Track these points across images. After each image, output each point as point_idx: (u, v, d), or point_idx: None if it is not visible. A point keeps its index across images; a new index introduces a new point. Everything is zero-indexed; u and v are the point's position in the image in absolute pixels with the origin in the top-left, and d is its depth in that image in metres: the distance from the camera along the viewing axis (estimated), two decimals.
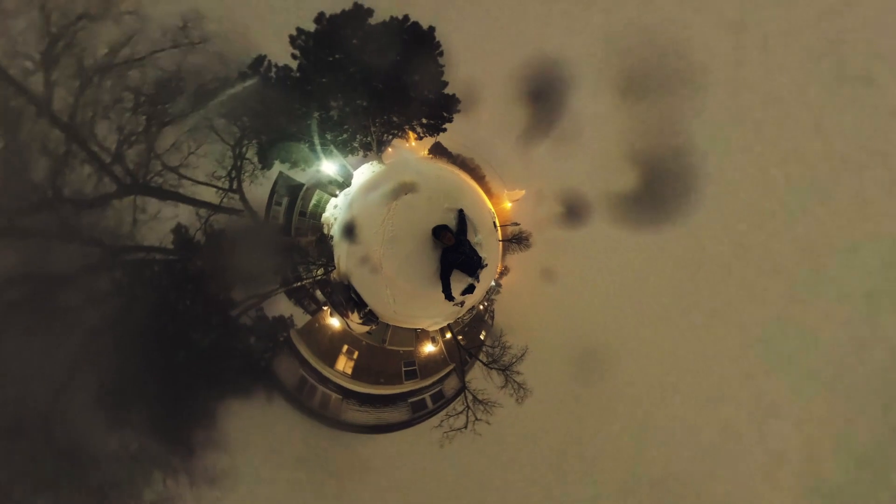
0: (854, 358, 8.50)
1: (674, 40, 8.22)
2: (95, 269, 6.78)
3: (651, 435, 8.75)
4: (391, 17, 8.30)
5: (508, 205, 9.66)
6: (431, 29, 8.50)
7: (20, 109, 6.00)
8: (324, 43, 8.10)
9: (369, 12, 8.19)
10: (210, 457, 7.31)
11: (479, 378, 8.92)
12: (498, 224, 8.96)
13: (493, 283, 9.36)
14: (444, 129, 9.19)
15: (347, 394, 8.72)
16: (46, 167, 6.27)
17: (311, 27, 8.03)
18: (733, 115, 8.49)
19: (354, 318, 8.53)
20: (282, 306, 8.55)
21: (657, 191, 8.75)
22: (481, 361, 9.09)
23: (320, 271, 8.61)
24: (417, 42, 8.49)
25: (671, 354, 8.88)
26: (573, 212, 9.36)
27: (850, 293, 8.58)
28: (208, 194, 7.90)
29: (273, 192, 8.53)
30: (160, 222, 7.42)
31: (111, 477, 6.42)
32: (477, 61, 8.74)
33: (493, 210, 8.96)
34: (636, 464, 8.63)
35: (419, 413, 8.96)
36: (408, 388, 9.02)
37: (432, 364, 9.20)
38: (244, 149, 8.07)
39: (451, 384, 9.21)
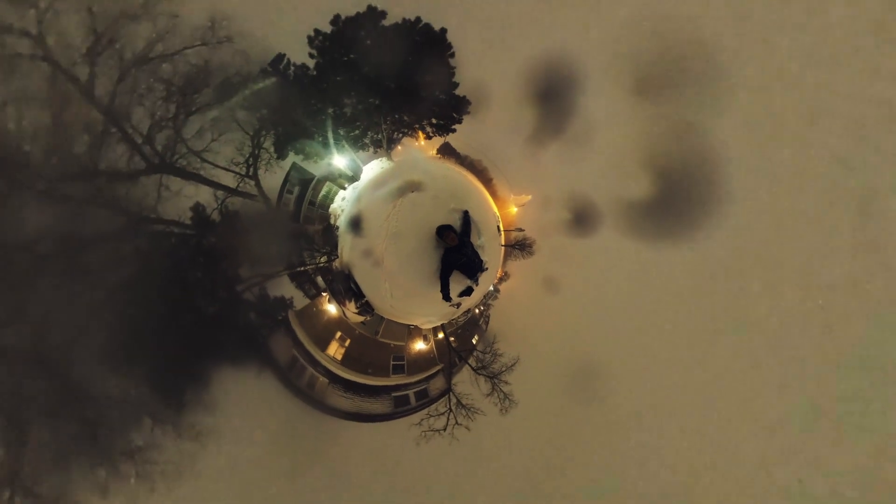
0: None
1: (692, 37, 7.52)
2: (120, 235, 7.81)
3: (641, 466, 7.86)
4: (404, 18, 8.59)
5: (514, 209, 9.40)
6: (443, 31, 8.66)
7: (67, 93, 7.21)
8: (339, 43, 8.59)
9: (383, 14, 8.56)
10: (197, 415, 7.97)
11: (466, 382, 8.74)
12: (502, 228, 8.75)
13: (491, 288, 9.13)
14: (454, 130, 9.25)
15: (334, 378, 8.97)
16: (86, 143, 7.43)
17: (327, 28, 8.58)
18: (756, 118, 7.49)
19: (351, 308, 8.79)
20: (284, 287, 9.06)
21: (671, 199, 7.97)
22: (470, 366, 8.89)
23: (323, 259, 9.02)
24: (429, 43, 8.69)
25: (671, 379, 7.95)
26: (581, 219, 8.84)
27: (877, 314, 7.09)
28: (226, 178, 8.66)
29: (286, 180, 9.12)
30: (181, 199, 8.29)
31: (106, 417, 7.31)
32: (488, 63, 8.69)
33: (497, 214, 8.79)
34: (619, 496, 7.80)
35: (401, 408, 8.95)
36: (393, 382, 9.06)
37: (421, 362, 9.16)
38: (262, 139, 8.75)
39: (436, 384, 9.10)
